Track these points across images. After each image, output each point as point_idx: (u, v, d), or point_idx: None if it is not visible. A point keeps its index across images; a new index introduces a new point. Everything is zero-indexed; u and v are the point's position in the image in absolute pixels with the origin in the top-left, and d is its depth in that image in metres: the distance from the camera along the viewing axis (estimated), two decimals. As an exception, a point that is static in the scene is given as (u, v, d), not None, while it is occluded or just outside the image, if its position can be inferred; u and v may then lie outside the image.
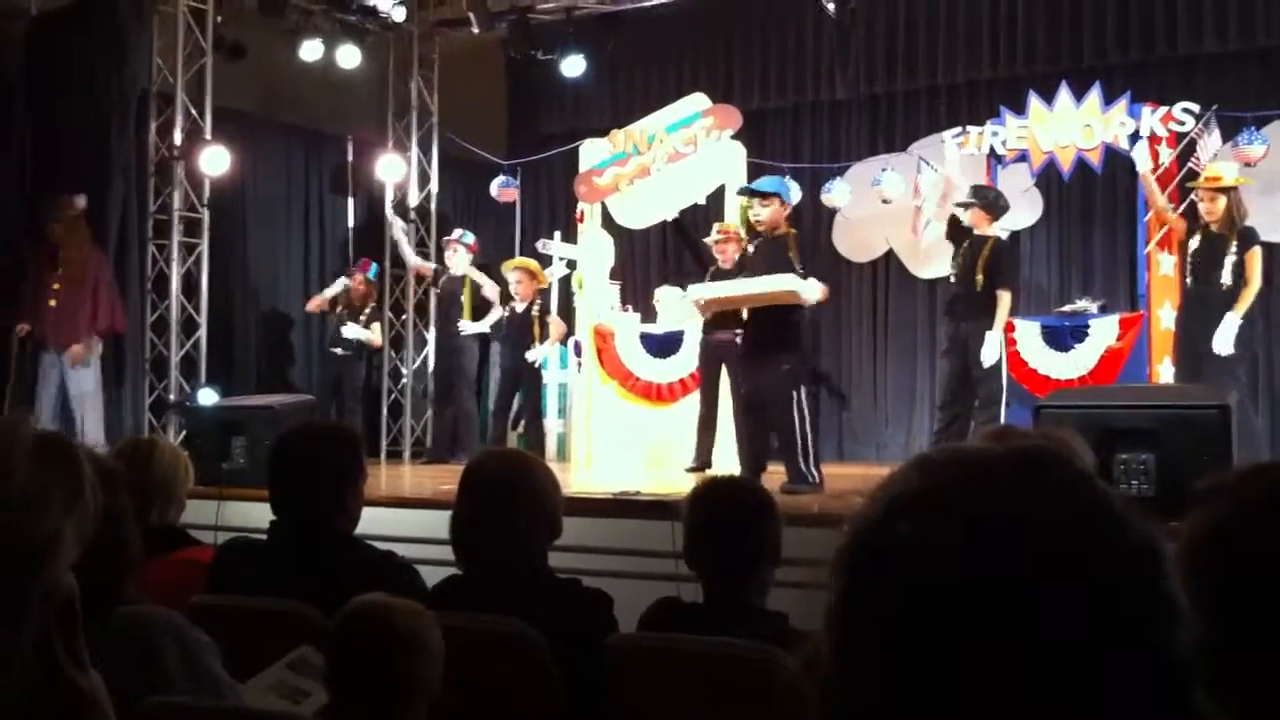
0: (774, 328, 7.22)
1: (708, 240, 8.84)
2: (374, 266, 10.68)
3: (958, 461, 0.79)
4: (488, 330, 10.16)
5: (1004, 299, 7.74)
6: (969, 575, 0.72)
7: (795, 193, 10.13)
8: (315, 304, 10.40)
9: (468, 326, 10.09)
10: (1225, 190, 7.50)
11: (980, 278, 7.76)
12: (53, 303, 8.53)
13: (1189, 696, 0.73)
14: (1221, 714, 0.75)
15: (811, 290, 7.10)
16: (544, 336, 9.62)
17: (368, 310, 10.40)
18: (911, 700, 0.73)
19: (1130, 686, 0.71)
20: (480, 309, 10.22)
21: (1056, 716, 0.70)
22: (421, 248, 11.70)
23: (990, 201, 8.07)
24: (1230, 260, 7.39)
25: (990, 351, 7.70)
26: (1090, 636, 0.71)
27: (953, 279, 8.13)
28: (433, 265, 11.01)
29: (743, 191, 8.13)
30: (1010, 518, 0.74)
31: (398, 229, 11.16)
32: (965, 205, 8.14)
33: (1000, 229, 8.33)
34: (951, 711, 0.72)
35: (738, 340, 7.86)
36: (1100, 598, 0.72)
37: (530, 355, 9.55)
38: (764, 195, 7.36)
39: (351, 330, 10.20)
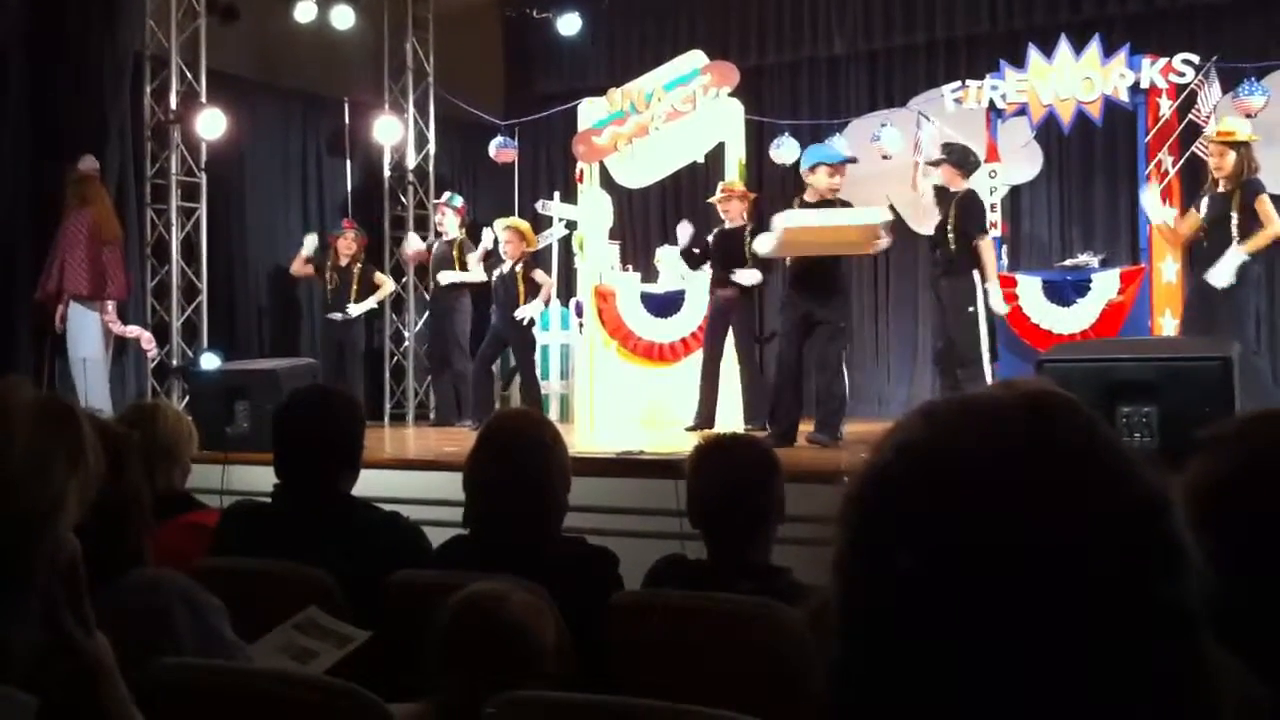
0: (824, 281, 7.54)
1: (711, 200, 8.82)
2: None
3: (963, 409, 0.79)
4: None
5: (984, 248, 7.72)
6: (975, 524, 0.72)
7: (791, 151, 10.12)
8: (299, 268, 10.30)
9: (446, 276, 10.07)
10: (1237, 145, 7.42)
11: (952, 235, 7.72)
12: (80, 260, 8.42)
13: (1198, 644, 0.73)
14: (1231, 662, 0.75)
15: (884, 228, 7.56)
16: (530, 295, 9.31)
17: (358, 268, 10.23)
18: (916, 651, 0.72)
19: (1139, 634, 0.71)
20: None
21: (1064, 665, 0.70)
22: (420, 209, 11.67)
23: (960, 157, 8.03)
24: (1237, 216, 7.32)
25: (996, 303, 7.69)
26: (1099, 584, 0.71)
27: (933, 241, 8.17)
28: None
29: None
30: (1016, 464, 0.74)
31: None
32: (936, 163, 8.15)
33: (999, 183, 8.25)
34: (957, 662, 0.71)
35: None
36: (1109, 545, 0.72)
37: (519, 314, 9.24)
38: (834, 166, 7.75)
39: (355, 309, 10.09)
